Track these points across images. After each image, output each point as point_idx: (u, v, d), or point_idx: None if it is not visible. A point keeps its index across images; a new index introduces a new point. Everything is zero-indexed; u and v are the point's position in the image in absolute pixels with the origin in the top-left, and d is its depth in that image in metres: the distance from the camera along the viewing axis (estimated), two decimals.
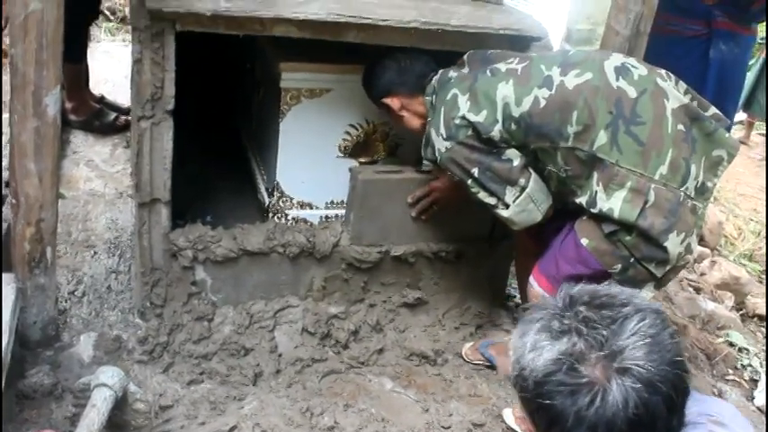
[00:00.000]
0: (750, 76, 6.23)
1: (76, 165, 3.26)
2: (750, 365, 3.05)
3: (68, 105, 3.30)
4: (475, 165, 2.15)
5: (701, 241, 3.93)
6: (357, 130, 2.60)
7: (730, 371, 2.98)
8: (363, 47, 2.32)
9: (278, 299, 2.56)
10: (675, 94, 2.04)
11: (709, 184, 2.05)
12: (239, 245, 2.44)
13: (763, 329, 3.44)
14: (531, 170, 2.16)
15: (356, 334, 2.60)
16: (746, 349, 3.14)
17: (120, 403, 2.07)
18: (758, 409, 2.78)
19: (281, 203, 2.62)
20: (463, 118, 2.14)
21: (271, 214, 2.64)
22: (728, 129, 2.22)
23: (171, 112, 2.22)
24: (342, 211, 2.66)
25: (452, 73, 2.26)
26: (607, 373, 1.01)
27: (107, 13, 4.99)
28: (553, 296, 1.16)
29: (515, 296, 2.97)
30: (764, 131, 7.10)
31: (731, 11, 2.96)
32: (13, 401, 2.04)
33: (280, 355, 2.48)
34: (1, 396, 1.81)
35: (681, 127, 2.00)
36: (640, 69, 2.06)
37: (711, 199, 2.18)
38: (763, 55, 6.50)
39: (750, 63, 5.63)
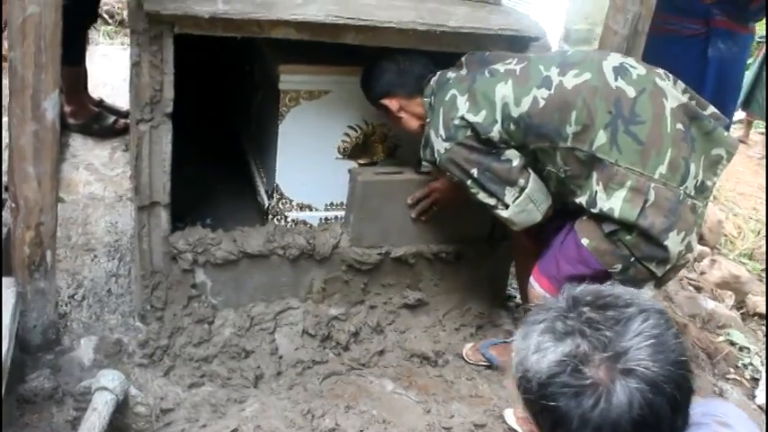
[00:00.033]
0: (749, 75, 6.23)
1: (76, 168, 3.25)
2: (751, 364, 3.05)
3: (67, 109, 3.30)
4: (474, 165, 2.15)
5: (701, 240, 3.93)
6: (356, 131, 2.60)
7: (731, 370, 2.97)
8: (362, 48, 2.32)
9: (278, 301, 2.56)
10: (674, 93, 2.05)
11: (709, 183, 2.05)
12: (239, 247, 2.44)
13: (764, 328, 3.43)
14: (531, 170, 2.16)
15: (357, 335, 2.59)
16: (747, 348, 3.14)
17: (121, 407, 2.07)
18: (759, 407, 2.78)
19: (280, 205, 2.62)
20: (462, 119, 2.14)
21: (270, 216, 2.64)
22: (727, 127, 2.23)
23: (170, 115, 2.22)
24: (341, 213, 2.66)
25: (451, 74, 2.26)
26: (611, 375, 1.01)
27: (105, 16, 4.99)
28: (555, 296, 1.16)
29: (516, 296, 2.97)
30: (763, 130, 7.10)
31: (729, 9, 2.97)
32: (14, 406, 2.04)
33: (280, 358, 2.48)
34: (1, 400, 1.80)
35: (680, 126, 2.01)
36: (639, 69, 2.06)
37: (711, 198, 2.18)
38: (762, 53, 6.50)
39: (748, 62, 5.63)
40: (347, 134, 2.60)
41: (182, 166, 2.37)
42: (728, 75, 3.09)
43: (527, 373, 1.07)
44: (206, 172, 2.97)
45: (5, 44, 1.96)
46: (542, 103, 2.04)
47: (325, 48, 2.31)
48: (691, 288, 3.55)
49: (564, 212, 2.18)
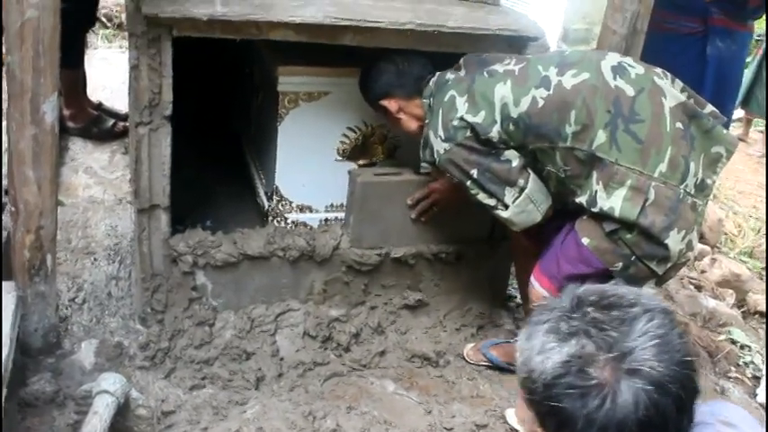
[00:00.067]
0: (747, 74, 6.22)
1: (75, 172, 3.26)
2: (752, 362, 3.04)
3: (66, 112, 3.30)
4: (474, 166, 2.15)
5: (702, 239, 3.92)
6: (355, 132, 2.60)
7: (732, 368, 2.97)
8: (360, 49, 2.32)
9: (279, 303, 2.56)
10: (673, 92, 2.05)
11: (709, 181, 2.05)
12: (239, 249, 2.44)
13: (765, 326, 3.43)
14: (530, 171, 2.16)
15: (357, 336, 2.59)
16: (748, 346, 3.14)
17: (123, 410, 2.07)
18: (761, 405, 2.78)
19: (280, 207, 2.62)
20: (461, 119, 2.14)
21: (270, 218, 2.64)
22: (726, 126, 2.23)
23: (169, 118, 2.22)
24: (341, 214, 2.66)
25: (449, 75, 2.26)
26: (617, 375, 1.01)
27: (104, 19, 4.99)
28: (555, 296, 1.15)
29: (516, 296, 2.97)
30: (763, 128, 7.10)
31: (727, 8, 2.97)
32: (15, 409, 2.04)
33: (281, 359, 2.48)
34: (2, 404, 1.80)
35: (679, 125, 2.01)
36: (637, 68, 2.07)
37: (711, 196, 2.18)
38: (761, 52, 6.50)
39: (747, 60, 5.63)
40: (346, 135, 2.60)
41: (181, 168, 2.37)
42: (727, 73, 3.08)
43: (532, 374, 1.07)
44: (205, 174, 2.97)
45: (4, 48, 1.96)
46: (541, 103, 2.04)
47: (323, 49, 2.31)
48: (691, 287, 3.54)
49: (564, 212, 2.18)
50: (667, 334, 1.04)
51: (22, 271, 2.14)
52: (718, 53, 3.01)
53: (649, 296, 1.12)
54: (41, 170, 2.02)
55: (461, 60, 2.27)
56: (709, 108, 2.09)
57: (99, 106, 3.57)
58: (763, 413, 2.71)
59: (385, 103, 2.35)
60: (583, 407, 1.01)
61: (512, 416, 2.37)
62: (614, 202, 1.98)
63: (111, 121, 3.50)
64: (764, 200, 4.84)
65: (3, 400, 1.79)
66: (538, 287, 2.18)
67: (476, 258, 2.74)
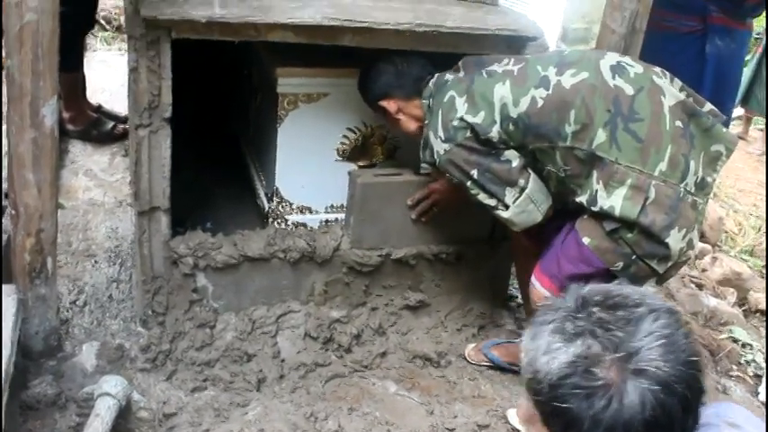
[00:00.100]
0: (747, 72, 6.22)
1: (75, 174, 3.26)
2: (754, 361, 3.04)
3: (66, 115, 3.31)
4: (474, 166, 2.15)
5: (702, 237, 3.92)
6: (355, 133, 2.60)
7: (734, 367, 2.97)
8: (359, 50, 2.32)
9: (280, 304, 2.56)
10: (672, 90, 2.05)
11: (709, 180, 2.05)
12: (240, 251, 2.44)
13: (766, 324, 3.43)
14: (531, 171, 2.16)
15: (359, 337, 2.59)
16: (750, 345, 3.14)
17: (124, 412, 2.07)
18: (762, 404, 2.77)
19: (280, 208, 2.62)
20: (461, 119, 2.14)
21: (271, 219, 2.64)
22: (726, 124, 2.22)
23: (168, 120, 2.22)
24: (342, 215, 2.66)
25: (449, 76, 2.26)
26: (623, 375, 1.00)
27: (102, 22, 4.99)
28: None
29: (517, 296, 2.97)
30: (762, 126, 7.10)
31: (726, 6, 2.96)
32: (17, 412, 2.04)
33: (283, 361, 2.48)
34: (3, 407, 1.80)
35: (679, 123, 2.01)
36: (636, 67, 2.07)
37: (711, 195, 2.18)
38: (760, 50, 6.50)
39: (746, 58, 5.63)
40: (346, 136, 2.60)
41: (181, 170, 2.37)
42: (726, 72, 3.08)
43: (537, 375, 1.06)
44: (205, 176, 2.97)
45: (3, 52, 1.96)
46: (541, 102, 2.04)
47: (322, 50, 2.31)
48: (692, 285, 3.54)
49: (564, 212, 2.18)
50: (673, 334, 1.04)
51: (22, 274, 2.14)
52: (717, 51, 3.01)
53: (654, 296, 1.11)
54: (41, 173, 2.03)
55: (460, 62, 2.28)
56: (708, 106, 2.09)
57: (99, 109, 3.57)
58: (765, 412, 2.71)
59: (384, 103, 2.35)
60: (589, 407, 1.01)
61: (513, 416, 2.37)
62: (615, 201, 1.98)
63: (110, 124, 3.51)
64: (765, 198, 4.84)
65: (4, 403, 1.80)
66: (539, 287, 2.18)
67: (476, 258, 2.74)
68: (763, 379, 2.91)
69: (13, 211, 2.07)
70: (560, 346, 1.05)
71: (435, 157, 2.22)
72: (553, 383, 1.04)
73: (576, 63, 2.07)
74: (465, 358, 2.64)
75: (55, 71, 1.96)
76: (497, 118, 2.10)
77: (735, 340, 3.14)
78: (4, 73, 1.96)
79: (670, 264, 2.04)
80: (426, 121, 2.29)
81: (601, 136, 1.98)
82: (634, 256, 2.02)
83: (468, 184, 2.19)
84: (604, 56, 2.11)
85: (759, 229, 4.52)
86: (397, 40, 2.30)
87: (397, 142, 2.66)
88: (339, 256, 2.55)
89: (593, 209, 2.02)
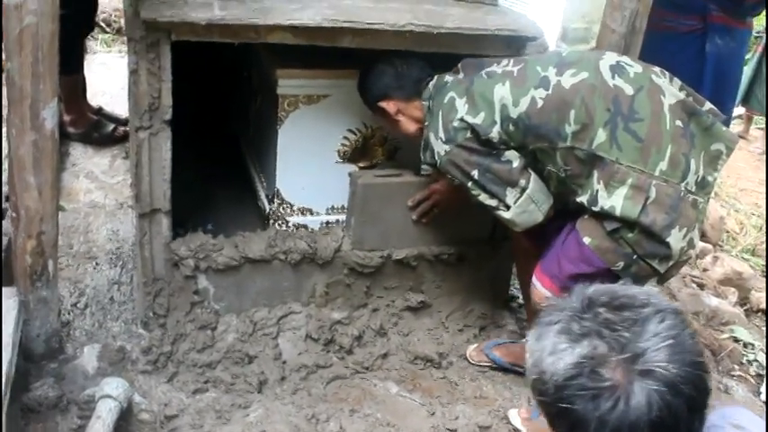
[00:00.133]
0: (747, 71, 6.22)
1: (76, 177, 3.26)
2: (756, 360, 3.04)
3: (66, 118, 3.31)
4: (475, 167, 2.15)
5: (703, 237, 3.92)
6: (355, 134, 2.60)
7: (736, 366, 2.97)
8: (359, 51, 2.32)
9: (281, 306, 2.56)
10: (671, 90, 2.05)
11: (710, 179, 2.05)
12: (241, 253, 2.44)
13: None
14: (531, 171, 2.16)
15: (360, 339, 2.59)
16: (751, 344, 3.13)
17: (126, 414, 2.08)
18: (765, 403, 2.77)
19: (281, 210, 2.62)
20: (462, 120, 2.14)
21: (271, 221, 2.64)
22: (727, 123, 2.22)
23: (169, 122, 2.22)
24: (342, 217, 2.66)
25: (448, 77, 2.27)
26: (629, 376, 1.00)
27: (102, 24, 5.00)
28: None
29: (518, 297, 2.97)
30: (763, 126, 7.10)
31: (726, 5, 2.96)
32: (18, 415, 2.04)
33: (284, 362, 2.48)
34: (3, 410, 1.80)
35: (679, 122, 2.01)
36: (635, 67, 2.07)
37: (712, 194, 2.18)
38: (760, 49, 6.49)
39: (747, 57, 5.62)
40: (346, 138, 2.60)
41: (182, 172, 2.37)
42: (726, 71, 3.08)
43: (543, 376, 1.06)
44: (206, 178, 2.97)
45: (3, 54, 1.96)
46: (540, 103, 2.04)
47: (322, 52, 2.31)
48: (694, 285, 3.54)
49: (565, 212, 2.18)
50: (679, 335, 1.04)
51: (23, 276, 2.14)
52: (717, 51, 3.01)
53: (660, 296, 1.11)
54: (42, 176, 2.03)
55: (459, 64, 2.28)
56: (708, 106, 2.09)
57: (99, 111, 3.58)
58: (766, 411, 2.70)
59: (384, 104, 2.35)
60: (595, 408, 1.01)
61: (515, 416, 2.37)
62: (615, 200, 1.98)
63: (111, 126, 3.51)
64: (765, 197, 4.83)
65: (5, 405, 1.80)
66: (539, 287, 2.18)
67: (477, 259, 2.73)
68: (765, 378, 2.91)
69: (14, 214, 2.07)
70: (566, 346, 1.05)
71: (436, 158, 2.22)
72: (559, 384, 1.04)
73: (575, 63, 2.07)
74: (466, 359, 2.64)
75: (55, 74, 1.96)
76: (497, 118, 2.10)
77: (736, 340, 3.13)
78: (4, 76, 1.96)
79: (671, 263, 2.04)
80: (426, 123, 2.29)
81: (601, 136, 1.98)
82: (635, 256, 2.02)
83: (469, 184, 2.19)
84: (604, 56, 2.11)
85: (760, 229, 4.52)
86: (397, 41, 2.30)
87: (397, 143, 2.66)
88: (340, 258, 2.55)
89: (593, 209, 2.02)
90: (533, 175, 2.15)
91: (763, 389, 2.85)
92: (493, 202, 2.19)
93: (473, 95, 2.14)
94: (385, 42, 2.30)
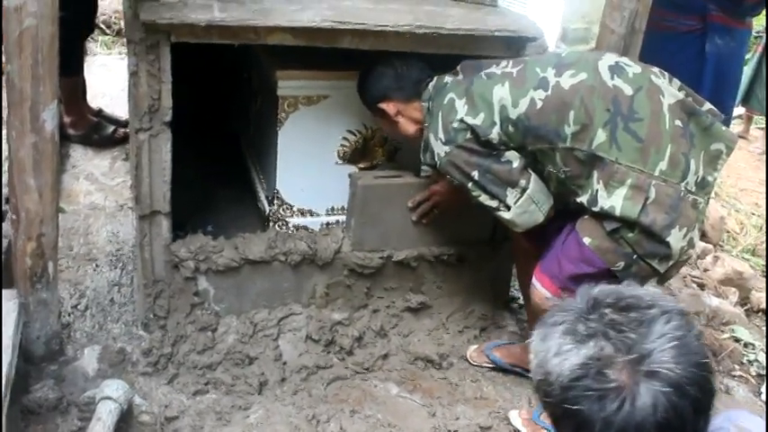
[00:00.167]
0: (747, 71, 6.21)
1: (76, 179, 3.26)
2: (756, 361, 3.03)
3: (67, 120, 3.31)
4: (475, 168, 2.15)
5: (704, 237, 3.92)
6: (355, 135, 2.60)
7: (736, 366, 2.96)
8: (359, 53, 2.32)
9: (281, 307, 2.56)
10: (671, 90, 2.05)
11: (710, 179, 2.05)
12: (241, 254, 2.44)
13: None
14: (531, 171, 2.16)
15: (360, 340, 2.59)
16: (752, 344, 3.13)
17: (126, 416, 2.08)
18: (765, 404, 2.77)
19: (281, 211, 2.62)
20: (461, 121, 2.14)
21: (271, 222, 2.64)
22: (727, 123, 2.22)
23: (169, 124, 2.22)
24: (342, 218, 2.66)
25: (448, 78, 2.27)
26: (635, 377, 1.00)
27: (102, 26, 5.00)
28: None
29: (518, 298, 2.96)
30: (763, 126, 7.09)
31: (725, 5, 2.96)
32: (18, 417, 2.04)
33: (284, 364, 2.48)
34: (3, 411, 1.80)
35: (678, 122, 2.01)
36: (634, 68, 2.07)
37: (712, 194, 2.18)
38: (760, 49, 6.49)
39: (747, 57, 5.62)
40: (346, 139, 2.60)
41: (182, 173, 2.37)
42: (726, 71, 3.08)
43: (548, 377, 1.06)
44: (206, 179, 2.97)
45: (3, 57, 1.96)
46: (540, 104, 2.04)
47: (322, 53, 2.31)
48: (694, 285, 3.54)
49: (565, 213, 2.18)
50: (685, 336, 1.03)
51: (23, 278, 2.14)
52: (716, 50, 3.01)
53: (666, 297, 1.11)
54: (42, 178, 2.03)
55: (459, 66, 2.28)
56: (707, 106, 2.09)
57: (99, 113, 3.58)
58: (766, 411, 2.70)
59: (383, 105, 2.35)
60: (601, 410, 1.00)
61: (515, 417, 2.37)
62: (615, 201, 1.98)
63: (111, 128, 3.51)
64: (765, 197, 4.83)
65: (5, 407, 1.80)
66: (539, 288, 2.18)
67: (478, 260, 2.73)
68: (765, 379, 2.90)
69: (14, 216, 2.07)
70: (572, 347, 1.04)
71: (436, 159, 2.22)
72: (565, 385, 1.03)
73: (574, 64, 2.07)
74: (467, 360, 2.64)
75: (55, 76, 1.96)
76: (497, 119, 2.10)
77: (737, 340, 3.13)
78: (4, 78, 1.96)
79: (671, 263, 2.04)
80: (426, 124, 2.29)
81: (601, 136, 1.98)
82: (635, 256, 2.02)
83: (470, 185, 2.19)
84: (603, 56, 2.11)
85: (760, 229, 4.51)
86: (397, 42, 2.30)
87: (397, 144, 2.66)
88: (340, 259, 2.55)
89: (593, 209, 2.02)
90: (534, 176, 2.15)
91: (763, 389, 2.85)
92: (493, 203, 2.19)
93: (472, 96, 2.14)
94: (385, 43, 2.30)
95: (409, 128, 2.37)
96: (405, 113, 2.35)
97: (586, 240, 2.06)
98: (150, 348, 2.37)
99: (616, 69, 2.04)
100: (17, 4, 1.84)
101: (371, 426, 2.27)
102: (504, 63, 2.19)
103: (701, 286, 3.56)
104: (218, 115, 3.34)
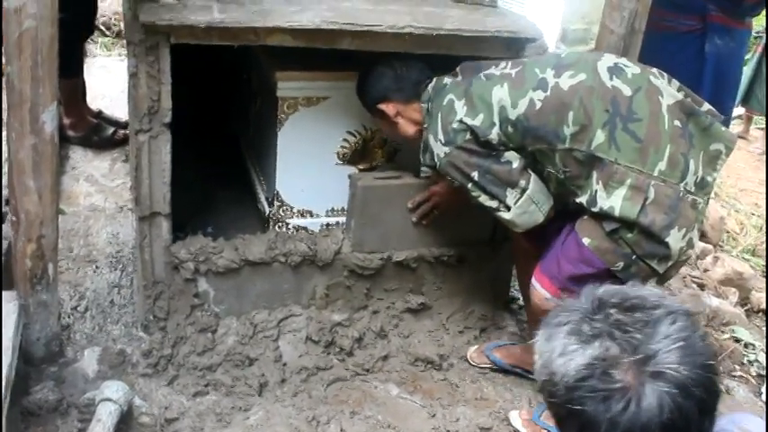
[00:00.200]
0: (747, 71, 6.21)
1: (76, 180, 3.26)
2: (757, 361, 3.03)
3: (66, 121, 3.31)
4: (474, 168, 2.16)
5: (704, 237, 3.92)
6: (355, 136, 2.60)
7: (737, 367, 2.96)
8: (358, 53, 2.32)
9: (281, 308, 2.56)
10: (670, 90, 2.05)
11: (709, 179, 2.05)
12: (241, 255, 2.44)
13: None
14: (531, 171, 2.16)
15: (360, 341, 2.59)
16: (752, 345, 3.13)
17: (126, 417, 2.08)
18: (765, 404, 2.77)
19: (281, 212, 2.62)
20: (461, 122, 2.14)
21: (271, 224, 2.64)
22: (726, 124, 2.22)
23: (168, 125, 2.22)
24: (342, 219, 2.66)
25: (447, 80, 2.27)
26: (641, 378, 1.00)
27: (102, 28, 5.00)
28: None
29: (518, 298, 2.96)
30: (763, 126, 7.09)
31: (725, 5, 2.96)
32: (19, 418, 2.04)
33: (284, 365, 2.48)
34: (3, 413, 1.80)
35: (677, 123, 2.01)
36: (633, 68, 2.07)
37: (711, 194, 2.18)
38: (760, 49, 6.49)
39: (746, 57, 5.62)
40: (346, 140, 2.60)
41: (182, 175, 2.37)
42: (726, 71, 3.08)
43: (553, 377, 1.05)
44: (206, 180, 2.97)
45: (3, 58, 1.96)
46: (539, 105, 2.05)
47: (321, 54, 2.31)
48: (694, 285, 3.54)
49: (565, 213, 2.18)
50: (690, 337, 1.03)
51: (23, 280, 2.14)
52: (716, 51, 3.01)
53: (671, 298, 1.10)
54: (42, 179, 2.03)
55: (458, 68, 2.28)
56: (706, 106, 2.09)
57: (99, 114, 3.58)
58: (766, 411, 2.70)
59: (383, 106, 2.35)
60: (606, 410, 1.00)
61: (516, 418, 2.37)
62: (614, 201, 1.98)
63: (111, 129, 3.51)
64: (765, 197, 4.83)
65: (5, 409, 1.80)
66: (539, 288, 2.18)
67: (477, 261, 2.73)
68: (766, 379, 2.90)
69: (14, 218, 2.07)
70: (577, 347, 1.04)
71: (436, 160, 2.22)
72: (570, 386, 1.03)
73: (573, 65, 2.07)
74: (467, 361, 2.64)
75: (54, 77, 1.96)
76: (496, 120, 2.10)
77: (737, 340, 3.13)
78: (3, 79, 1.96)
79: (670, 263, 2.04)
80: (426, 125, 2.29)
81: (600, 137, 1.99)
82: (634, 256, 2.02)
83: (469, 186, 2.19)
84: (602, 57, 2.11)
85: (760, 229, 4.51)
86: (397, 43, 2.30)
87: (397, 145, 2.66)
88: (340, 260, 2.55)
89: (592, 209, 2.02)
90: (533, 176, 2.15)
91: (763, 389, 2.85)
92: (493, 204, 2.19)
93: (472, 97, 2.14)
94: (384, 44, 2.30)
95: (409, 129, 2.37)
96: (404, 114, 2.35)
97: (586, 241, 2.06)
98: (150, 350, 2.37)
99: (615, 70, 2.04)
100: (17, 5, 1.84)
101: (371, 427, 2.27)
102: (503, 64, 2.19)
103: (701, 286, 3.56)
104: (218, 116, 3.35)
